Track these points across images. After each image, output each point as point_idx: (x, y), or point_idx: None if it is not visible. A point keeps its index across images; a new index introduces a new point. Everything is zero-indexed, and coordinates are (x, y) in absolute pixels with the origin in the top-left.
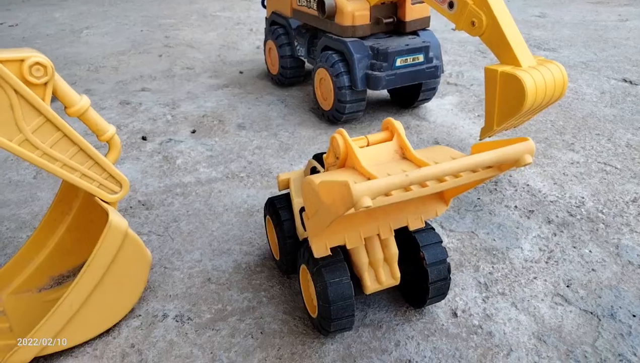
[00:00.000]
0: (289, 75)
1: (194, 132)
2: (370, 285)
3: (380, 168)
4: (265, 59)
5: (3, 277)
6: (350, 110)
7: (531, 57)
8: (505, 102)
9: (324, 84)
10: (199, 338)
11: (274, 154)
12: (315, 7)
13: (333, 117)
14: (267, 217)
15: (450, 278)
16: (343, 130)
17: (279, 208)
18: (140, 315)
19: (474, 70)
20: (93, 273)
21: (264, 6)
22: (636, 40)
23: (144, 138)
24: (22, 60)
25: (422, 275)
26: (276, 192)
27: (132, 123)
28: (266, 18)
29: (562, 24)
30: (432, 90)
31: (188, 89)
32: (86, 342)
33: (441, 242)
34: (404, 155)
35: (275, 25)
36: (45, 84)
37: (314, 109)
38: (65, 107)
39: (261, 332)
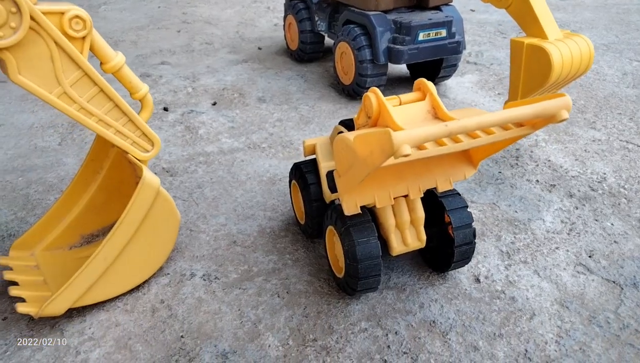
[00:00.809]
0: (308, 51)
1: (214, 104)
2: (397, 247)
3: (413, 127)
4: (285, 35)
5: (35, 234)
6: (371, 84)
7: (558, 30)
8: (530, 74)
9: (344, 58)
10: (226, 296)
11: (295, 126)
12: None
13: (353, 91)
14: (293, 181)
15: (475, 242)
16: (376, 89)
17: (305, 173)
18: (168, 274)
19: (494, 49)
20: (126, 229)
21: None
22: None
23: (165, 109)
24: (62, 13)
25: (447, 240)
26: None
27: (154, 95)
28: None
29: (583, 6)
30: (453, 67)
31: (207, 63)
32: (117, 297)
33: (467, 206)
34: (437, 115)
35: (296, 0)
36: (84, 38)
37: (334, 85)
38: (101, 63)
39: (287, 292)
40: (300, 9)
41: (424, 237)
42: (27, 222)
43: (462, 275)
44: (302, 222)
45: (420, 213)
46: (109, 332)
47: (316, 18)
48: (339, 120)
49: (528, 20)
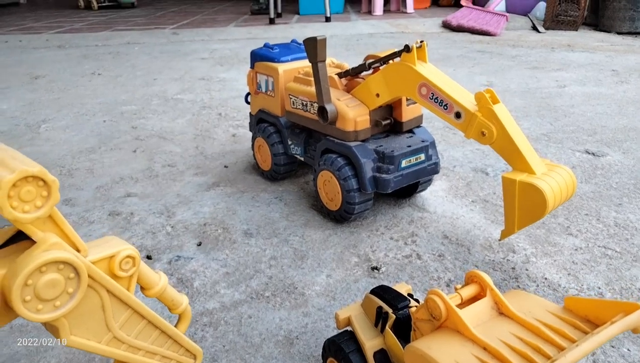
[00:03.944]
0: (282, 171)
1: (199, 244)
2: None
3: (484, 329)
4: (254, 155)
5: None
6: (359, 210)
7: (542, 164)
8: (525, 208)
9: (328, 186)
10: None
11: (292, 264)
12: (313, 111)
13: (340, 217)
14: (330, 359)
15: None
16: (439, 292)
17: (348, 353)
18: None
19: (450, 149)
20: None
21: (248, 102)
22: (581, 108)
23: (149, 257)
24: (112, 257)
25: None
26: (308, 312)
27: (130, 239)
28: (251, 114)
29: (511, 92)
30: (429, 182)
31: (176, 190)
32: None
33: None
34: (501, 310)
35: (265, 123)
36: (131, 275)
37: (315, 206)
38: (144, 289)
39: None
40: (271, 132)
41: None
42: None
43: None
44: None
45: None
46: None
47: (289, 142)
48: (333, 252)
49: (513, 156)
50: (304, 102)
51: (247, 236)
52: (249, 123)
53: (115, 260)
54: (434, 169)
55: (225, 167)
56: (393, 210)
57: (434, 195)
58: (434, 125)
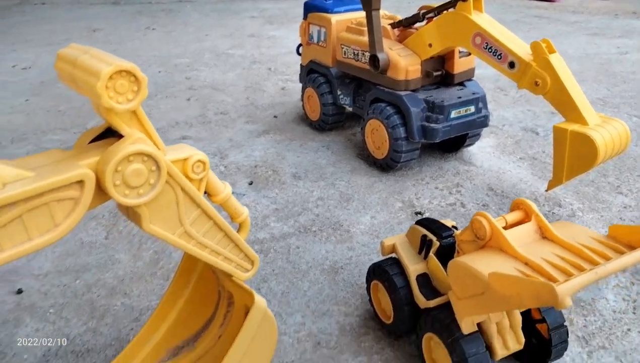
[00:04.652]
0: (330, 122)
1: (251, 183)
2: (500, 351)
3: (527, 249)
4: (303, 105)
5: (127, 355)
6: (405, 159)
7: (596, 116)
8: (575, 159)
9: (376, 134)
10: None
11: (338, 205)
12: (364, 60)
13: (386, 165)
14: (374, 282)
15: (568, 341)
16: (485, 214)
17: (392, 275)
18: None
19: (500, 109)
20: (235, 354)
21: (299, 54)
22: None
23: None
24: (185, 159)
25: (541, 339)
26: (352, 246)
27: None
28: (302, 65)
29: (568, 57)
30: (477, 136)
31: (228, 136)
32: None
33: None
34: (544, 235)
35: (315, 74)
36: (201, 179)
37: (361, 155)
38: (210, 195)
39: None
40: (321, 82)
41: (523, 340)
42: (100, 333)
43: None
44: (388, 322)
45: (519, 316)
46: None
47: (339, 92)
48: (378, 196)
49: (567, 107)
50: (356, 52)
51: (295, 178)
52: (299, 75)
53: (189, 162)
54: (484, 122)
55: (275, 117)
56: (439, 163)
57: (481, 151)
58: (485, 85)
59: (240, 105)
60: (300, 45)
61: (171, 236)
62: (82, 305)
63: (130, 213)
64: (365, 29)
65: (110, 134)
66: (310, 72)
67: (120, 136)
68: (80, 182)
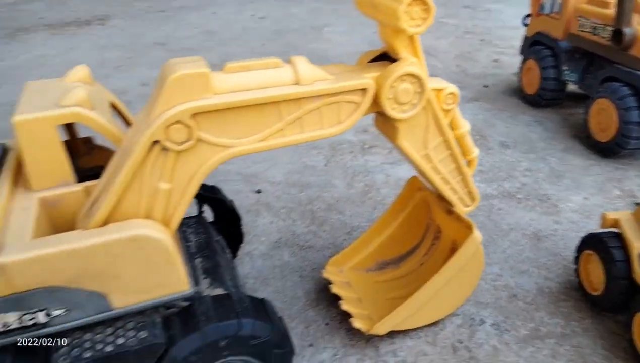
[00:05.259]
0: (547, 97)
1: None
2: None
3: None
4: (520, 77)
5: (347, 254)
6: (634, 146)
7: None
8: None
9: (603, 115)
10: (521, 350)
11: (547, 179)
12: (603, 34)
13: (609, 150)
14: (587, 252)
15: None
16: None
17: (611, 247)
18: (458, 315)
19: None
20: (446, 275)
21: (525, 25)
22: None
23: None
24: (440, 90)
25: None
26: (559, 221)
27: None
28: (526, 36)
29: None
30: None
31: None
32: (418, 328)
33: None
34: None
35: (540, 46)
36: (450, 110)
37: (579, 136)
38: (452, 128)
39: (583, 362)
40: (546, 55)
41: None
42: (320, 237)
43: None
44: (596, 294)
45: None
46: (420, 359)
47: (564, 67)
48: (593, 179)
49: None
50: (595, 25)
51: (503, 146)
52: (521, 46)
53: (443, 93)
54: None
55: (485, 86)
56: None
57: None
58: None
59: (450, 71)
60: (527, 15)
61: (415, 154)
62: (305, 212)
63: (389, 127)
64: (612, 0)
65: (384, 58)
66: (534, 44)
67: (392, 61)
68: (364, 90)
